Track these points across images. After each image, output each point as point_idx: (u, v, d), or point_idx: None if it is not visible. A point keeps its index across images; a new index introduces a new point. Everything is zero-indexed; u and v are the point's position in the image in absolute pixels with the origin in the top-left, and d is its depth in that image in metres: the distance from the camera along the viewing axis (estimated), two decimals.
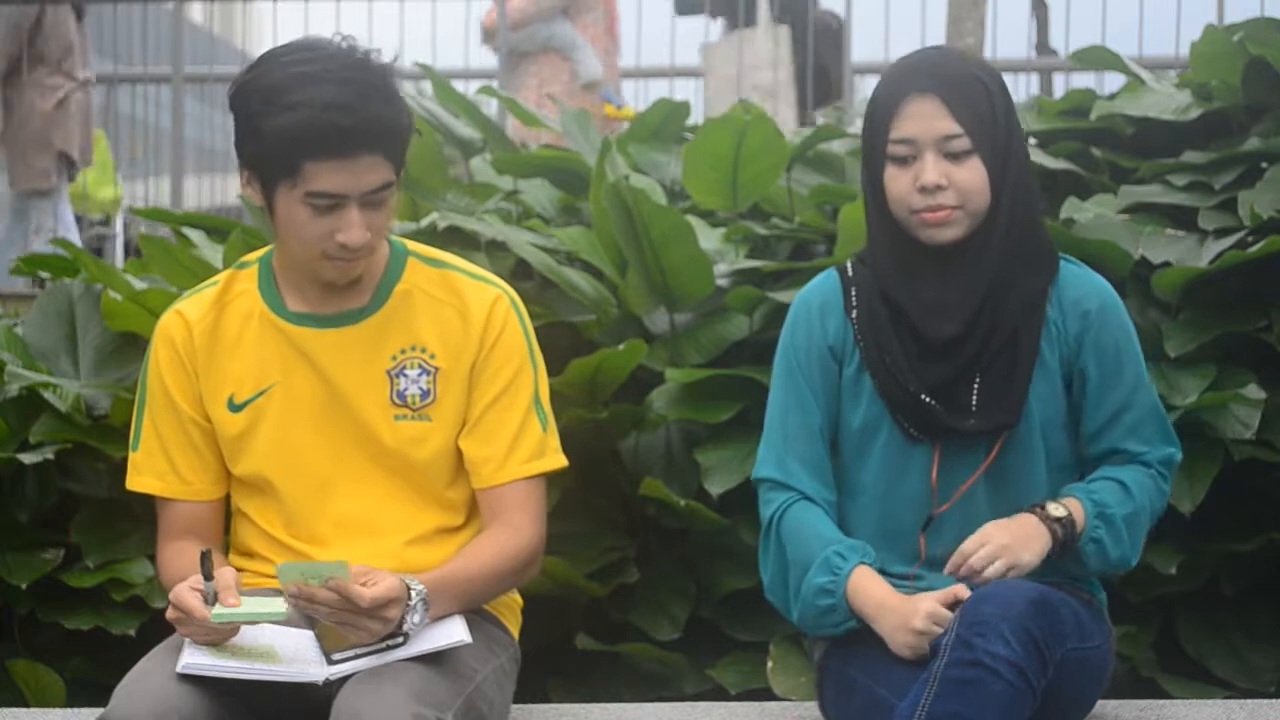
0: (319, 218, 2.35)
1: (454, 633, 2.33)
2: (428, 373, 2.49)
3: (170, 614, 2.29)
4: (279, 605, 2.26)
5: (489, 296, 2.52)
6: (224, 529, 2.58)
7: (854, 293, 2.55)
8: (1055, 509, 2.43)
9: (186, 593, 2.27)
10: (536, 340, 2.57)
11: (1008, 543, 2.38)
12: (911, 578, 2.49)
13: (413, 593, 2.30)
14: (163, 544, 2.55)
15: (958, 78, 2.45)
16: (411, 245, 2.56)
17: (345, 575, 2.23)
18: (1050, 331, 2.51)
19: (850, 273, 2.57)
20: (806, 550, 2.48)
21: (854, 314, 2.54)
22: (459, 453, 2.52)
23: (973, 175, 2.43)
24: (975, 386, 2.48)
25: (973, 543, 2.40)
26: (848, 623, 2.44)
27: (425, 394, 2.49)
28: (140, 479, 2.55)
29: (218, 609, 2.25)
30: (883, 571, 2.48)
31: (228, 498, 2.58)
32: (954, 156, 2.43)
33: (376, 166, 2.35)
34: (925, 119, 2.42)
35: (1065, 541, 2.41)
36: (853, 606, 2.43)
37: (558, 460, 2.56)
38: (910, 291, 2.49)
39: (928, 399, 2.47)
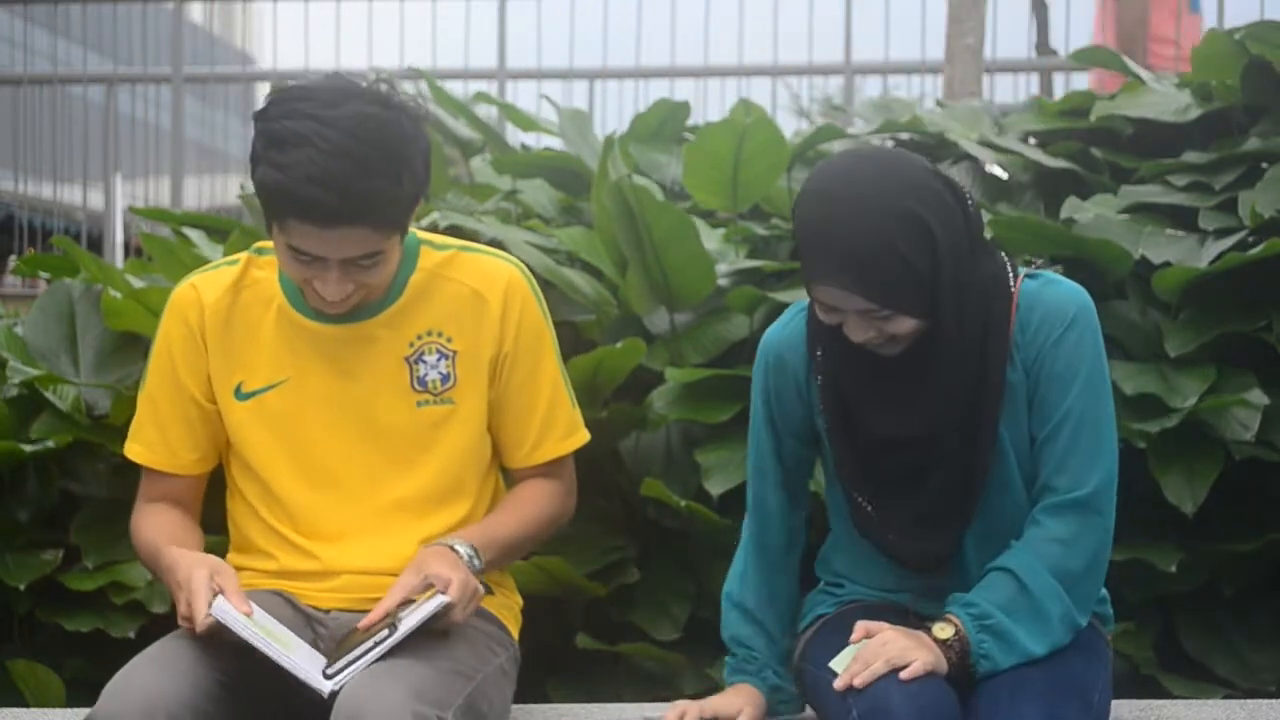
0: (300, 265, 2.35)
1: (436, 597, 2.31)
2: (446, 357, 2.49)
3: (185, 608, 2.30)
4: (289, 638, 2.29)
5: (503, 275, 2.53)
6: (202, 503, 2.61)
7: (820, 354, 2.44)
8: (940, 630, 2.31)
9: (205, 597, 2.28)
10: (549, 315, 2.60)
11: (909, 644, 2.28)
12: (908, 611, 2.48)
13: (461, 552, 2.37)
14: (139, 505, 2.58)
15: (865, 257, 2.23)
16: (421, 234, 2.57)
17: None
18: (1014, 355, 2.38)
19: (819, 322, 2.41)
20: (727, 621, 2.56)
21: (820, 379, 2.44)
22: (483, 434, 2.53)
23: (900, 325, 2.31)
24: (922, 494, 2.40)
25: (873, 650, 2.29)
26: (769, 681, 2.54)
27: (445, 378, 2.49)
28: (130, 446, 2.59)
29: (246, 622, 2.26)
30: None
31: (212, 473, 2.60)
32: (877, 319, 2.30)
33: (362, 239, 2.31)
34: (840, 299, 2.29)
35: (961, 660, 2.30)
36: None
37: (584, 436, 2.62)
38: (856, 384, 2.41)
39: (863, 502, 2.43)
